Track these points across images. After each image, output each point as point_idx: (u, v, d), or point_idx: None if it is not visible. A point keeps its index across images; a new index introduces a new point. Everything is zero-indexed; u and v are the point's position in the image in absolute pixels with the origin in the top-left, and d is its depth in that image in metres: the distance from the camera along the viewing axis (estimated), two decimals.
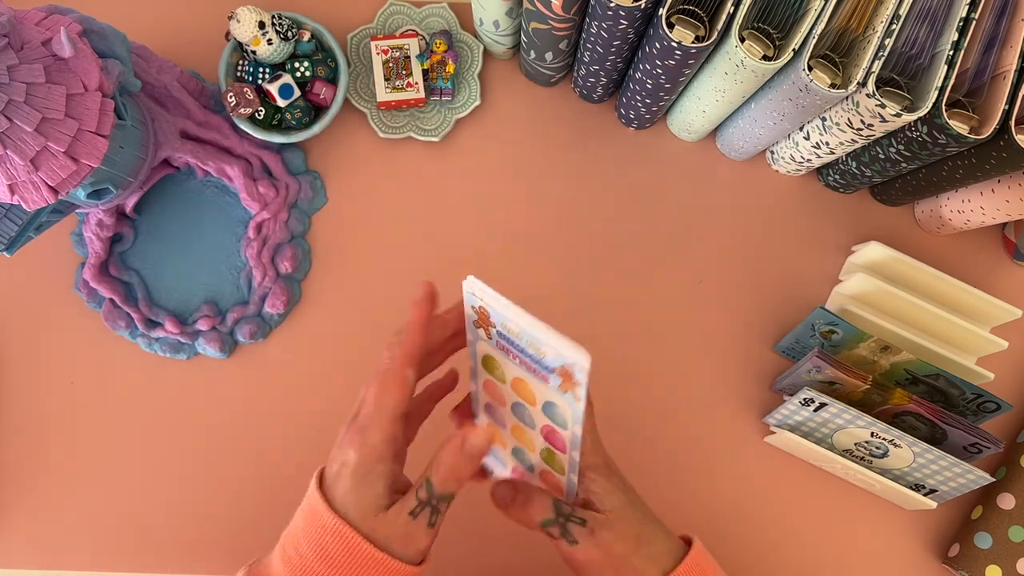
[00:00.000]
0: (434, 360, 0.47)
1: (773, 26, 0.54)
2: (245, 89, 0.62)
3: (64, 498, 0.65)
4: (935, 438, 0.60)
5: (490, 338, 0.42)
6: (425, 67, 0.66)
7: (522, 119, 0.70)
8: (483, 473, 0.50)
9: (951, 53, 0.51)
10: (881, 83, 0.53)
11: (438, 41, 0.66)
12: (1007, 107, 0.51)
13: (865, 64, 0.51)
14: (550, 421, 0.42)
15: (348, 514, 0.41)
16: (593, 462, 0.45)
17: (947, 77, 0.51)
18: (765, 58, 0.52)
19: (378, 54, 0.66)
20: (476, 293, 0.39)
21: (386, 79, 0.66)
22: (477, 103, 0.68)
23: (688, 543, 0.47)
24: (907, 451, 0.58)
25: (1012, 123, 0.50)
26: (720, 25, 0.51)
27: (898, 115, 0.51)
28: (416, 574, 0.42)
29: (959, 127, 0.51)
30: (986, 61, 0.53)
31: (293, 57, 0.64)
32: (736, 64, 0.53)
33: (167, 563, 0.65)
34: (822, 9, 0.51)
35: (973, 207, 0.61)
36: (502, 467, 0.49)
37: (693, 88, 0.61)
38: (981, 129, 0.51)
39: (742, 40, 0.52)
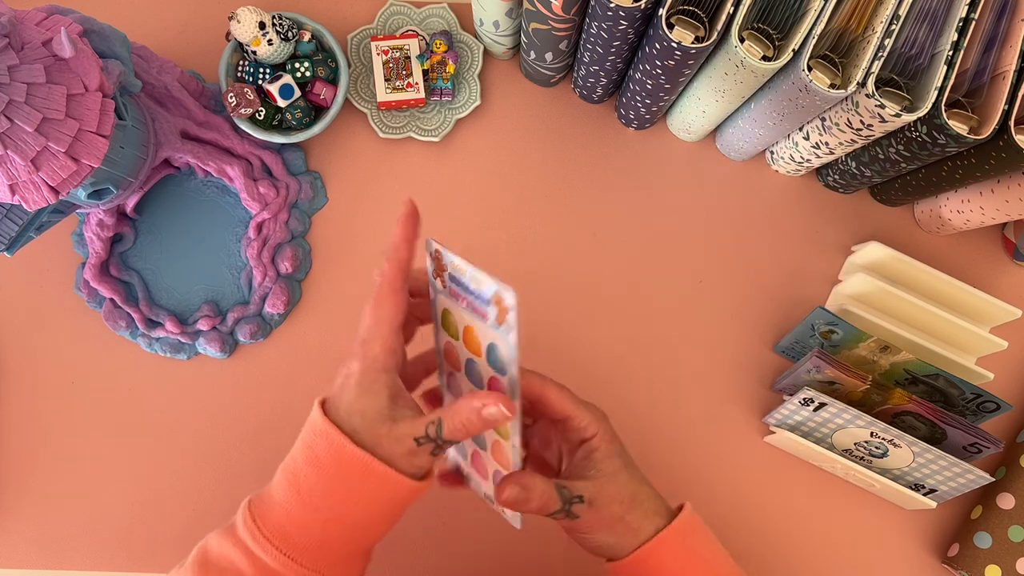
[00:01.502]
0: (409, 328, 0.48)
1: (773, 26, 0.54)
2: (245, 89, 0.62)
3: (64, 498, 0.65)
4: (935, 438, 0.60)
5: (444, 286, 0.44)
6: (425, 67, 0.66)
7: (522, 119, 0.70)
8: (458, 480, 0.51)
9: (951, 53, 0.51)
10: (881, 83, 0.53)
11: (438, 41, 0.66)
12: (1006, 107, 0.51)
13: (865, 64, 0.51)
14: (493, 370, 0.43)
15: (354, 423, 0.42)
16: (597, 428, 0.47)
17: (947, 77, 0.51)
18: (765, 58, 0.52)
19: (378, 54, 0.66)
20: (434, 241, 0.44)
21: (386, 79, 0.66)
22: (477, 103, 0.68)
23: (679, 508, 0.50)
24: (907, 451, 0.58)
25: (1011, 123, 0.50)
26: (720, 25, 0.51)
27: (898, 115, 0.51)
28: (414, 488, 0.43)
29: (959, 127, 0.51)
30: (986, 61, 0.53)
31: (293, 57, 0.64)
32: (736, 64, 0.53)
33: (167, 563, 0.65)
34: (822, 9, 0.51)
35: (973, 207, 0.61)
36: (463, 457, 0.50)
37: (693, 88, 0.61)
38: (980, 129, 0.51)
39: (742, 40, 0.52)
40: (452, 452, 0.51)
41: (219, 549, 0.44)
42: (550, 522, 0.47)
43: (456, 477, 0.51)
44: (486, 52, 0.69)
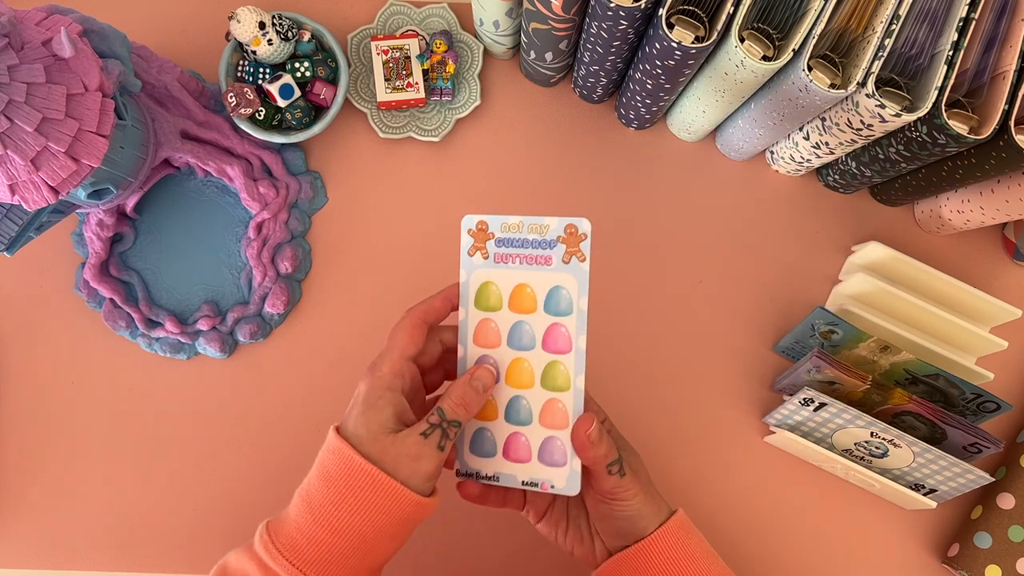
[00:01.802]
0: (433, 378, 0.50)
1: (773, 26, 0.54)
2: (245, 89, 0.62)
3: (64, 498, 0.65)
4: (935, 438, 0.60)
5: (487, 257, 0.47)
6: (425, 67, 0.66)
7: (522, 119, 0.70)
8: (481, 492, 0.50)
9: (951, 53, 0.51)
10: (881, 83, 0.53)
11: (438, 41, 0.66)
12: (1007, 107, 0.51)
13: (865, 64, 0.51)
14: (553, 316, 0.46)
15: (360, 435, 0.44)
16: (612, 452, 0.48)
17: (947, 77, 0.51)
18: (765, 58, 0.52)
19: (378, 54, 0.66)
20: (474, 215, 0.46)
21: (386, 79, 0.66)
22: (477, 103, 0.68)
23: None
24: (907, 451, 0.58)
25: (1012, 123, 0.50)
26: (720, 25, 0.51)
27: (898, 115, 0.51)
28: (419, 504, 0.44)
29: (959, 127, 0.51)
30: (986, 61, 0.53)
31: (293, 57, 0.64)
32: (736, 64, 0.53)
33: (167, 562, 0.65)
34: (822, 9, 0.51)
35: (973, 207, 0.61)
36: (492, 454, 0.49)
37: (693, 88, 0.61)
38: (981, 129, 0.51)
39: (742, 40, 0.52)
40: (470, 460, 0.49)
41: (236, 564, 0.45)
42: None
43: (478, 487, 0.50)
44: (486, 52, 0.69)
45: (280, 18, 0.62)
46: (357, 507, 0.43)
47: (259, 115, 0.63)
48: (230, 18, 0.61)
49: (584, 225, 0.44)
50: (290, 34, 0.63)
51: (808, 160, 0.64)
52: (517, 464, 0.48)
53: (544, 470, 0.47)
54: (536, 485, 0.48)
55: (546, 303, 0.46)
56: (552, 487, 0.48)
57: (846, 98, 0.53)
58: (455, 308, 0.48)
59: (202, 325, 0.65)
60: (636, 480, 0.49)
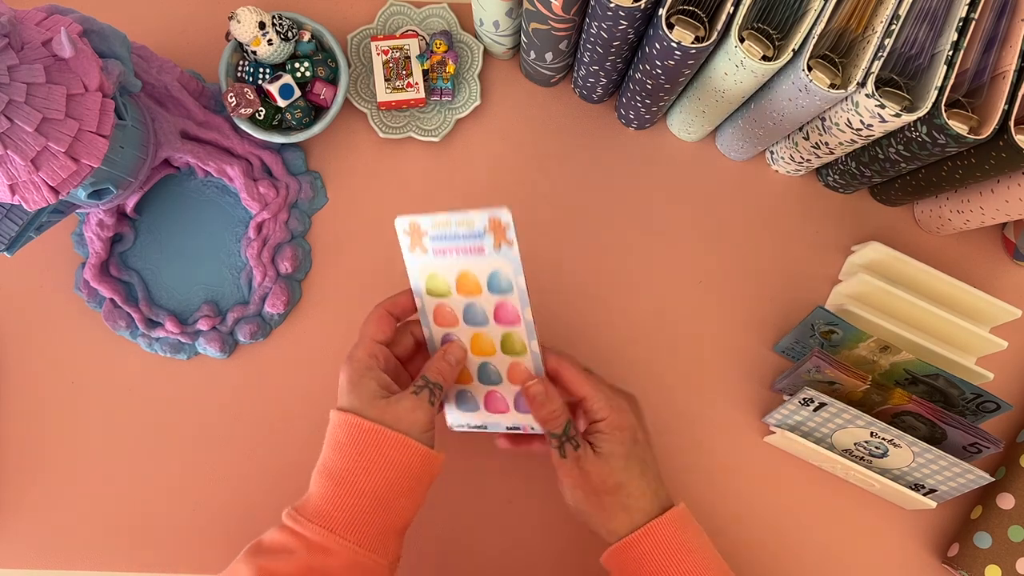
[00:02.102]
0: (412, 369, 0.56)
1: (773, 26, 0.54)
2: (245, 89, 0.62)
3: (64, 498, 0.65)
4: (935, 438, 0.60)
5: (426, 251, 0.51)
6: (425, 67, 0.66)
7: (522, 119, 0.70)
8: (524, 441, 0.58)
9: (951, 53, 0.51)
10: (880, 83, 0.53)
11: (438, 42, 0.66)
12: (1006, 107, 0.51)
13: (864, 64, 0.51)
14: (498, 295, 0.51)
15: (355, 407, 0.49)
16: (608, 414, 0.52)
17: (947, 77, 0.51)
18: (765, 58, 0.52)
19: (378, 54, 0.66)
20: (404, 217, 0.51)
21: (386, 79, 0.66)
22: (477, 103, 0.68)
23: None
24: (906, 451, 0.58)
25: (1011, 123, 0.50)
26: (720, 25, 0.51)
27: (897, 115, 0.51)
28: (425, 454, 0.49)
29: (958, 127, 0.51)
30: (986, 61, 0.53)
31: (293, 57, 0.64)
32: (736, 64, 0.53)
33: (167, 562, 0.65)
34: (822, 9, 0.51)
35: (973, 207, 0.61)
36: (476, 408, 0.56)
37: (693, 88, 0.61)
38: (980, 129, 0.51)
39: (742, 40, 0.52)
40: (459, 415, 0.56)
41: (270, 538, 0.49)
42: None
43: (506, 438, 0.58)
44: (486, 52, 0.69)
45: (280, 18, 0.62)
46: (370, 465, 0.48)
47: (259, 115, 0.63)
48: (230, 18, 0.61)
49: (505, 216, 0.47)
50: (290, 34, 0.63)
51: (808, 160, 0.64)
52: (499, 414, 0.56)
53: (522, 416, 0.54)
54: (519, 428, 0.55)
55: (489, 284, 0.51)
56: (532, 428, 0.55)
57: (846, 98, 0.53)
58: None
59: (202, 325, 0.65)
60: (577, 473, 0.52)
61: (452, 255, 0.50)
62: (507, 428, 0.56)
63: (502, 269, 0.50)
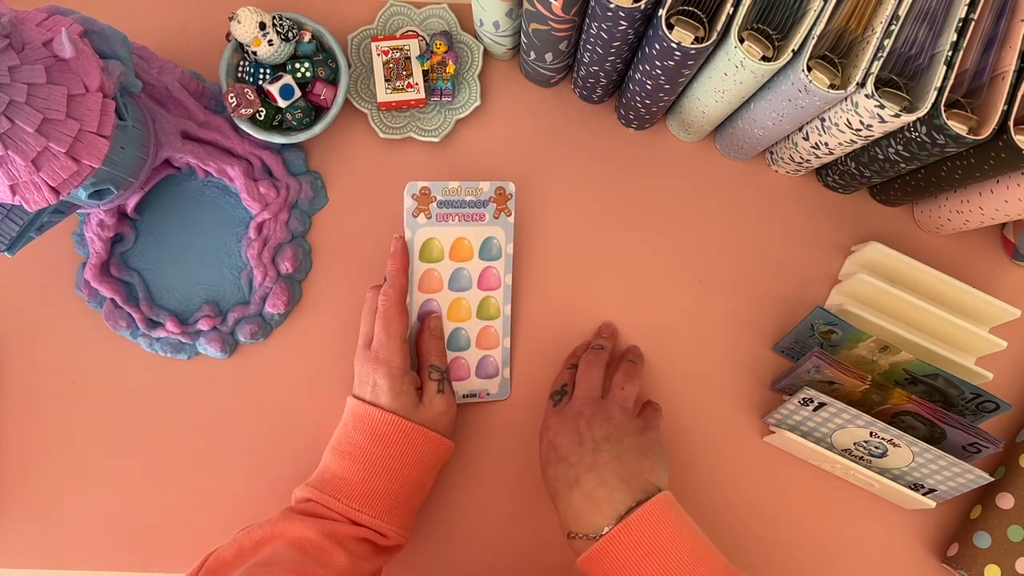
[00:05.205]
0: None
1: (772, 27, 0.54)
2: (246, 90, 0.62)
3: (64, 498, 0.65)
4: (934, 438, 0.60)
5: (429, 218, 0.59)
6: (425, 68, 0.66)
7: (522, 120, 0.70)
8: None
9: (950, 53, 0.51)
10: (880, 84, 0.53)
11: (438, 42, 0.66)
12: (1006, 107, 0.51)
13: (864, 65, 0.51)
14: (486, 261, 0.60)
15: (393, 409, 0.57)
16: (584, 409, 0.59)
17: (946, 78, 0.51)
18: (764, 59, 0.53)
19: (378, 55, 0.66)
20: (418, 182, 0.57)
21: (386, 80, 0.66)
22: (477, 104, 0.68)
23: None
24: (906, 451, 0.59)
25: (1011, 123, 0.50)
26: (719, 26, 0.51)
27: (897, 116, 0.51)
28: (448, 446, 0.59)
29: (958, 127, 0.51)
30: (985, 61, 0.53)
31: (294, 58, 0.64)
32: (735, 65, 0.53)
33: (167, 563, 0.65)
34: (821, 10, 0.51)
35: (972, 207, 0.61)
36: None
37: (692, 89, 0.61)
38: (980, 130, 0.51)
39: (741, 41, 0.52)
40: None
41: (299, 493, 0.57)
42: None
43: None
44: (486, 52, 0.69)
45: (280, 19, 0.62)
46: (412, 457, 0.57)
47: (259, 115, 0.63)
48: (230, 18, 0.61)
49: (510, 187, 0.57)
50: (290, 35, 0.63)
51: (808, 160, 0.64)
52: (458, 382, 0.63)
53: (480, 383, 0.62)
54: (474, 396, 0.62)
55: (480, 251, 0.59)
56: (488, 394, 0.61)
57: (845, 99, 0.53)
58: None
59: (203, 325, 0.65)
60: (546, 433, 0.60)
61: (454, 221, 0.58)
62: (463, 396, 0.62)
63: (497, 236, 0.58)
